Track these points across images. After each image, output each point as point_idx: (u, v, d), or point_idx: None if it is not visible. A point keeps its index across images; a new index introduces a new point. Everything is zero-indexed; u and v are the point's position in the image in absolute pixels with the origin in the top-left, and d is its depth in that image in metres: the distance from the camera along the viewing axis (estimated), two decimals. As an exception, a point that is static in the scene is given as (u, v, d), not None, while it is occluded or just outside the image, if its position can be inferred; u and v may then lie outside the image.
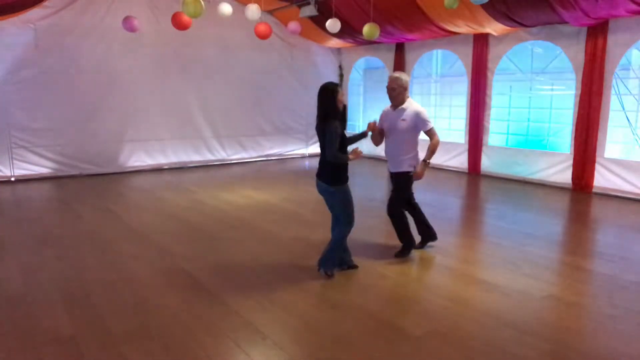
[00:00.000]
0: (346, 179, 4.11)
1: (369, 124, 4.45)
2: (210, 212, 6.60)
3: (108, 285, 4.06)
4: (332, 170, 4.04)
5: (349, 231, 4.20)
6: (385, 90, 4.61)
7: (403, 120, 4.47)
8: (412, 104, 4.54)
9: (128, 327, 3.35)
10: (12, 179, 8.51)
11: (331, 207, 4.25)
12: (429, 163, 4.50)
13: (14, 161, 8.52)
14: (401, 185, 4.65)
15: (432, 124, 4.52)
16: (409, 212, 4.89)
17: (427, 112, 4.54)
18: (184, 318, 3.48)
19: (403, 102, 4.51)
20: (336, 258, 4.26)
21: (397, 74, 4.53)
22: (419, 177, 4.54)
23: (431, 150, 4.49)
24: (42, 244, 5.17)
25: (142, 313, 3.56)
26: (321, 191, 4.18)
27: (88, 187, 8.20)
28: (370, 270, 4.41)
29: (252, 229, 5.75)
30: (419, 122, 4.46)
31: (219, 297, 3.83)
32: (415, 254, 4.87)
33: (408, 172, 4.57)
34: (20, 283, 4.12)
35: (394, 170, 4.63)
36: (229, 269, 4.49)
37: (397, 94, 4.47)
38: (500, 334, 3.29)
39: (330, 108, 3.96)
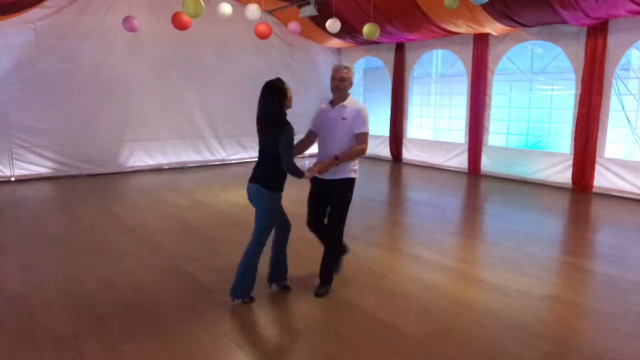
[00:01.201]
0: (282, 188, 3.65)
1: (312, 169, 3.75)
2: (210, 212, 6.61)
3: (108, 285, 4.06)
4: (273, 175, 3.58)
5: (261, 251, 3.74)
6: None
7: (344, 119, 3.82)
8: (354, 101, 3.94)
9: (128, 327, 3.35)
10: (12, 179, 8.51)
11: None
12: (337, 163, 3.75)
13: (14, 161, 8.51)
14: (347, 196, 3.94)
15: (369, 129, 3.89)
16: (319, 236, 4.14)
17: (367, 114, 3.90)
18: (184, 318, 3.48)
19: (345, 98, 3.91)
20: (251, 282, 3.72)
21: (347, 64, 4.03)
22: (318, 171, 3.73)
23: (350, 153, 3.80)
24: (42, 244, 5.17)
25: (143, 313, 3.56)
26: (252, 197, 3.66)
27: (88, 187, 8.20)
28: (370, 271, 4.41)
29: (252, 229, 5.73)
30: (355, 122, 3.83)
31: (219, 297, 3.83)
32: (415, 254, 4.87)
33: (354, 179, 3.94)
34: (20, 283, 4.11)
35: (333, 177, 3.85)
36: (229, 269, 4.47)
37: (344, 86, 3.88)
38: (500, 334, 3.29)
39: (279, 110, 3.49)
